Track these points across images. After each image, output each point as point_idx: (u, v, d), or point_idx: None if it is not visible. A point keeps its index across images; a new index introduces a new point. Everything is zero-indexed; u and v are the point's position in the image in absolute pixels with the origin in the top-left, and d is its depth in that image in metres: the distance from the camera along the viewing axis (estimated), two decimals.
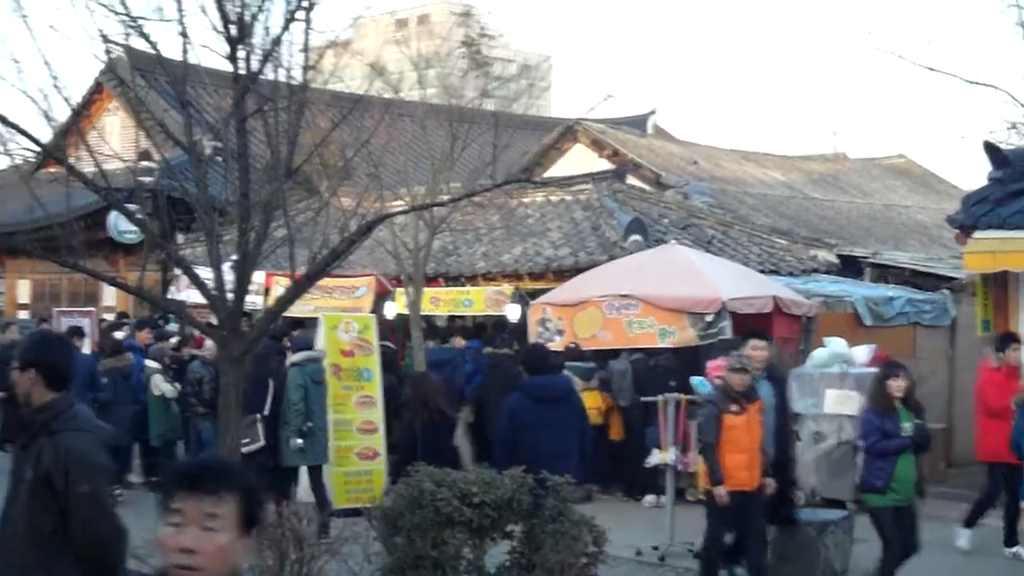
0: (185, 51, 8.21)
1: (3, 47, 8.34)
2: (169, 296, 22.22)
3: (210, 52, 8.23)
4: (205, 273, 8.53)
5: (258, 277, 18.28)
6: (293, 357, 14.80)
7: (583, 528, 9.00)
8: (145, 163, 18.56)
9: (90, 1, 8.27)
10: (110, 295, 34.37)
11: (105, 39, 9.10)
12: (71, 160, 8.65)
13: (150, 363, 17.85)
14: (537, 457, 10.41)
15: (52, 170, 10.79)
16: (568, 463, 10.92)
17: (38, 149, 9.75)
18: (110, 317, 27.57)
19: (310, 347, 15.14)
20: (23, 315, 36.55)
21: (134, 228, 30.04)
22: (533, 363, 12.35)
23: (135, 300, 32.10)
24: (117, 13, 8.28)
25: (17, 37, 8.64)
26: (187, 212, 10.40)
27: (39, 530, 5.56)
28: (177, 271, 22.62)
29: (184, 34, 8.17)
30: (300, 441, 14.37)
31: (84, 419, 5.78)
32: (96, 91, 34.28)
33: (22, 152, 9.21)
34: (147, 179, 15.30)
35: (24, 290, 39.59)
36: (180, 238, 21.66)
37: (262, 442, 14.35)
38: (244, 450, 13.85)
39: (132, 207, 10.00)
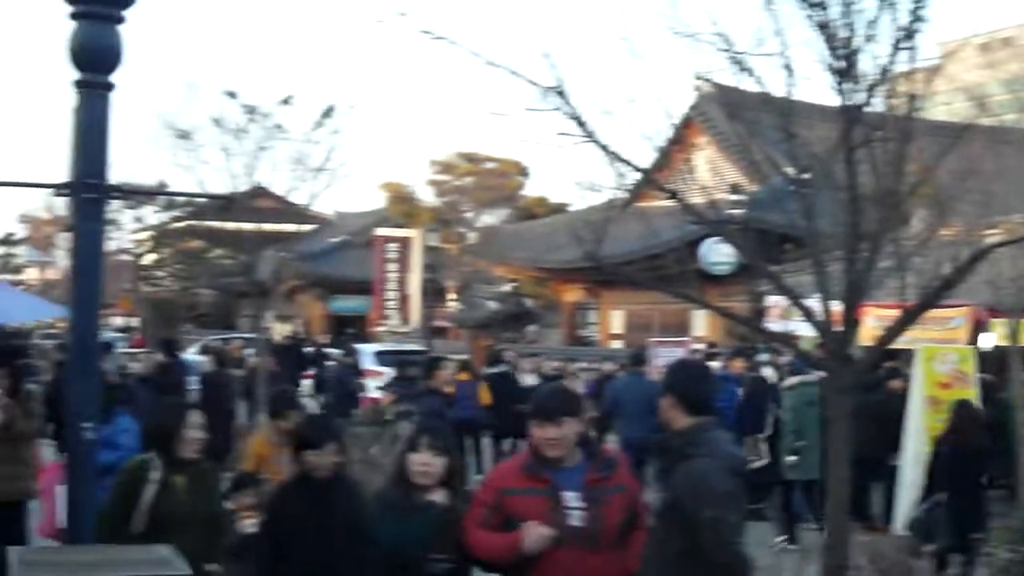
0: (789, 85, 8.31)
1: (613, 84, 8.74)
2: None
3: (813, 85, 8.31)
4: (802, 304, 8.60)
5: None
6: (788, 381, 16.71)
7: None
8: (736, 196, 18.94)
9: (692, 39, 8.49)
10: (700, 325, 35.22)
11: (699, 76, 9.41)
12: (669, 192, 8.92)
13: (741, 392, 18.13)
14: None
15: (644, 204, 11.24)
16: None
17: (642, 183, 10.21)
18: (701, 347, 28.22)
19: (803, 372, 16.25)
20: (616, 345, 38.09)
21: (725, 260, 30.81)
22: None
23: (724, 330, 32.77)
24: (722, 50, 8.50)
25: (606, 70, 9.06)
26: (779, 243, 10.54)
27: (668, 551, 5.78)
28: (769, 301, 22.87)
29: (788, 68, 8.27)
30: (794, 458, 15.50)
31: (718, 445, 5.92)
32: (685, 126, 35.26)
33: (623, 188, 9.58)
34: (739, 211, 15.63)
35: (618, 321, 41.27)
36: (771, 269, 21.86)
37: (766, 459, 16.11)
38: (751, 467, 15.19)
39: (728, 239, 10.23)
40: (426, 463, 6.40)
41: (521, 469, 6.15)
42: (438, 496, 6.40)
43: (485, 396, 20.23)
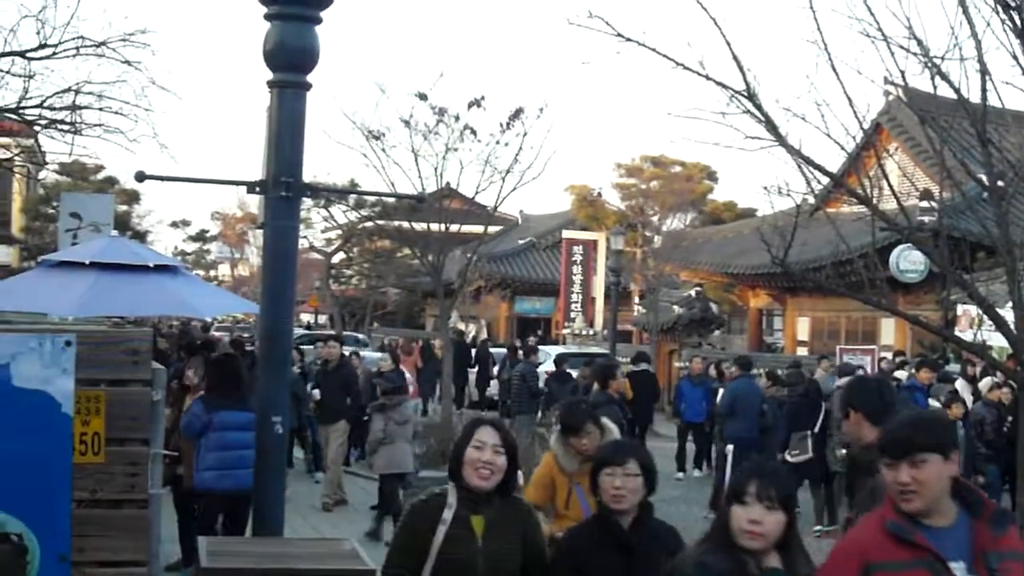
0: (984, 90, 8.15)
1: (804, 88, 8.65)
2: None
3: (1009, 90, 8.13)
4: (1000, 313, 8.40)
5: None
6: (839, 381, 16.87)
7: None
8: (928, 203, 18.54)
9: (884, 42, 8.37)
10: (888, 334, 34.50)
11: (890, 80, 9.24)
12: (859, 198, 8.81)
13: (933, 402, 17.80)
14: None
15: (833, 209, 11.09)
16: None
17: (831, 189, 10.07)
18: (888, 355, 27.70)
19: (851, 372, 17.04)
20: (802, 352, 37.58)
21: (916, 267, 30.18)
22: None
23: (912, 339, 32.08)
24: (916, 54, 8.36)
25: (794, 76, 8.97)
26: (971, 251, 10.30)
27: None
28: (959, 310, 22.37)
29: (984, 72, 8.11)
30: (843, 451, 15.68)
31: None
32: (875, 131, 34.56)
33: (812, 193, 9.49)
34: (930, 218, 15.32)
35: (804, 327, 40.69)
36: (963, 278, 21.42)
37: (809, 455, 16.74)
38: (793, 460, 16.63)
39: (920, 246, 10.05)
40: (756, 520, 4.63)
41: (885, 533, 4.47)
42: (774, 561, 4.70)
43: (627, 391, 20.52)
